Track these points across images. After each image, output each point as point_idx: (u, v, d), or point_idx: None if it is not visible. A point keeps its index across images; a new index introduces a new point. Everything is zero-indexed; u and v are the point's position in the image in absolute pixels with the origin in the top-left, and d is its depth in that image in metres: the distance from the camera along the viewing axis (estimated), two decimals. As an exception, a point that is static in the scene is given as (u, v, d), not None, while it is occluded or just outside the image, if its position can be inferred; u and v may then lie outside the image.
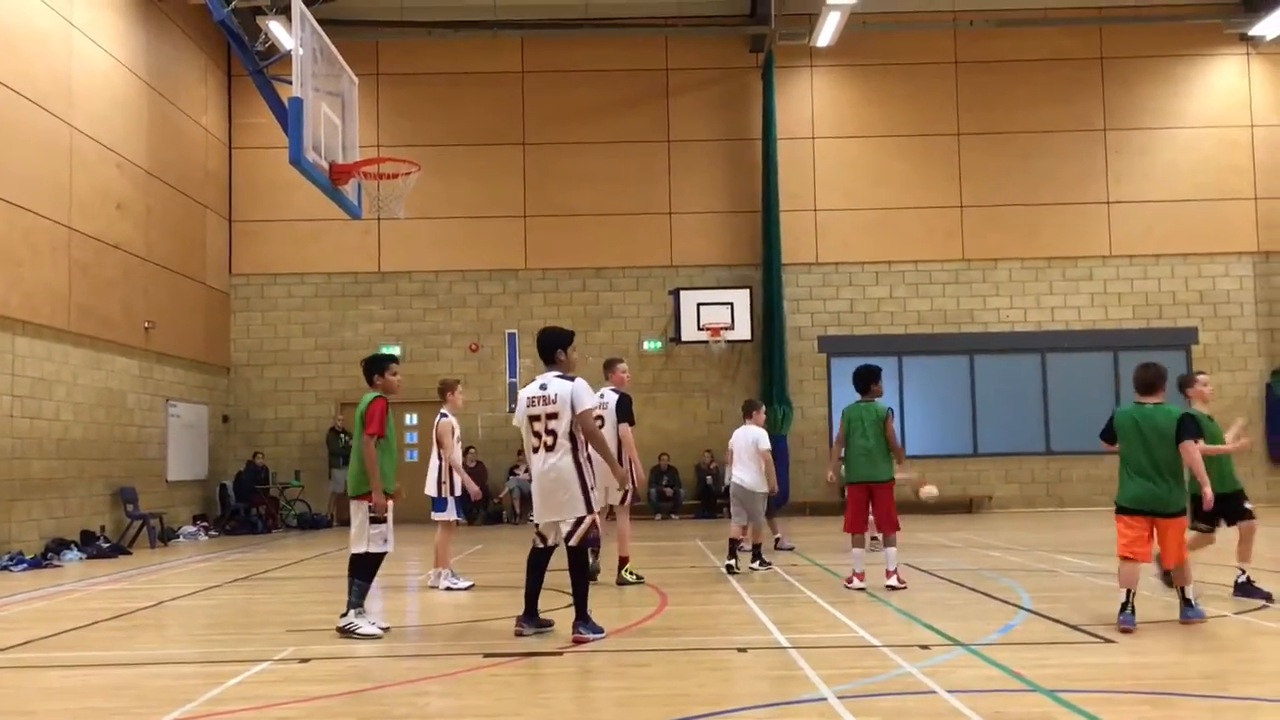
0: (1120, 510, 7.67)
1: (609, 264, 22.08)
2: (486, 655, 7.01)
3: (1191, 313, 21.88)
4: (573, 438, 7.47)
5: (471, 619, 8.87)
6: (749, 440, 11.82)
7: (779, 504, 21.27)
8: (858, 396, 10.07)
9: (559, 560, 7.70)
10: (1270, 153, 21.73)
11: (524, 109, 22.28)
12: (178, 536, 18.30)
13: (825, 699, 5.64)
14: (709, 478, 21.35)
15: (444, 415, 11.15)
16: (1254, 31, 21.49)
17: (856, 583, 9.78)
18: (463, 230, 22.03)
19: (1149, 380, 7.81)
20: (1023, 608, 8.69)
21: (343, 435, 21.28)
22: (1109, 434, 7.94)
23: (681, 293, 21.29)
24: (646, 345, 21.91)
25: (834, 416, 21.79)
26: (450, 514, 10.95)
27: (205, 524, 19.51)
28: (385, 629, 8.00)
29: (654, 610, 9.00)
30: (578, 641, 7.36)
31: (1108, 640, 7.17)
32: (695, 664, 6.71)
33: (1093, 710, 5.26)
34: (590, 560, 8.12)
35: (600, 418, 9.80)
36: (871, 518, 10.14)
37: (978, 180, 22.01)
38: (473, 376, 21.84)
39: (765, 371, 21.43)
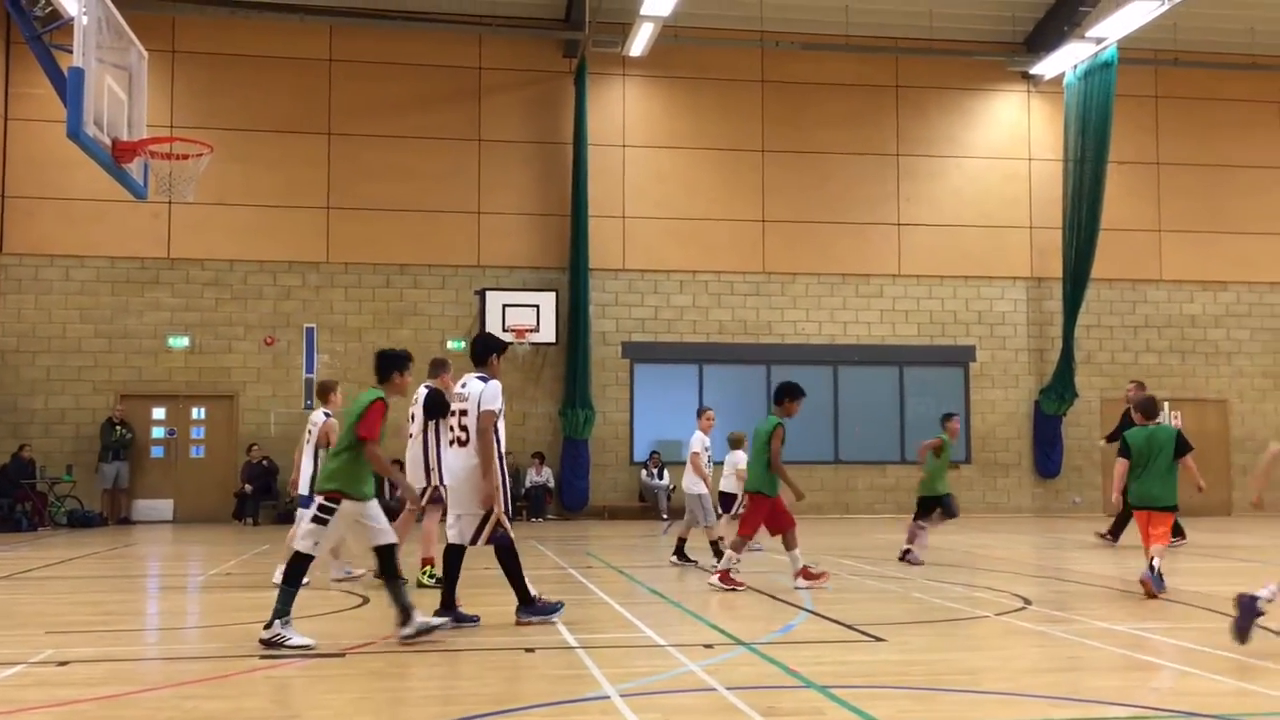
0: (1133, 508, 9.98)
1: (414, 261, 21.71)
2: (263, 657, 6.76)
3: (971, 332, 23.20)
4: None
5: (252, 620, 8.54)
6: (689, 445, 12.37)
7: (579, 506, 21.47)
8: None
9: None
10: (1044, 186, 23.27)
11: (330, 98, 21.67)
12: (-71, 534, 16.92)
13: (609, 697, 5.70)
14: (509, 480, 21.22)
15: (328, 415, 10.82)
16: (1034, 71, 23.01)
17: (715, 579, 10.10)
18: (261, 219, 21.23)
19: (1154, 409, 10.15)
20: (804, 608, 9.01)
21: (119, 428, 20.15)
22: (1126, 452, 9.90)
23: (488, 293, 21.15)
24: (450, 345, 21.61)
25: (635, 422, 22.10)
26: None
27: (-38, 521, 18.11)
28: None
29: (444, 611, 8.87)
30: (521, 624, 7.80)
31: (879, 639, 7.52)
32: (482, 664, 6.67)
33: (860, 705, 5.50)
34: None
35: (414, 415, 10.13)
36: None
37: (780, 196, 22.72)
38: (266, 371, 21.09)
39: (569, 375, 21.51)
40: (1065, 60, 22.18)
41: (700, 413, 12.94)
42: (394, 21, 21.51)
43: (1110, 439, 18.56)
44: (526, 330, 20.96)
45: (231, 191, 20.63)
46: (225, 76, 21.32)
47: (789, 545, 10.22)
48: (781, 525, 10.15)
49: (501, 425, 7.83)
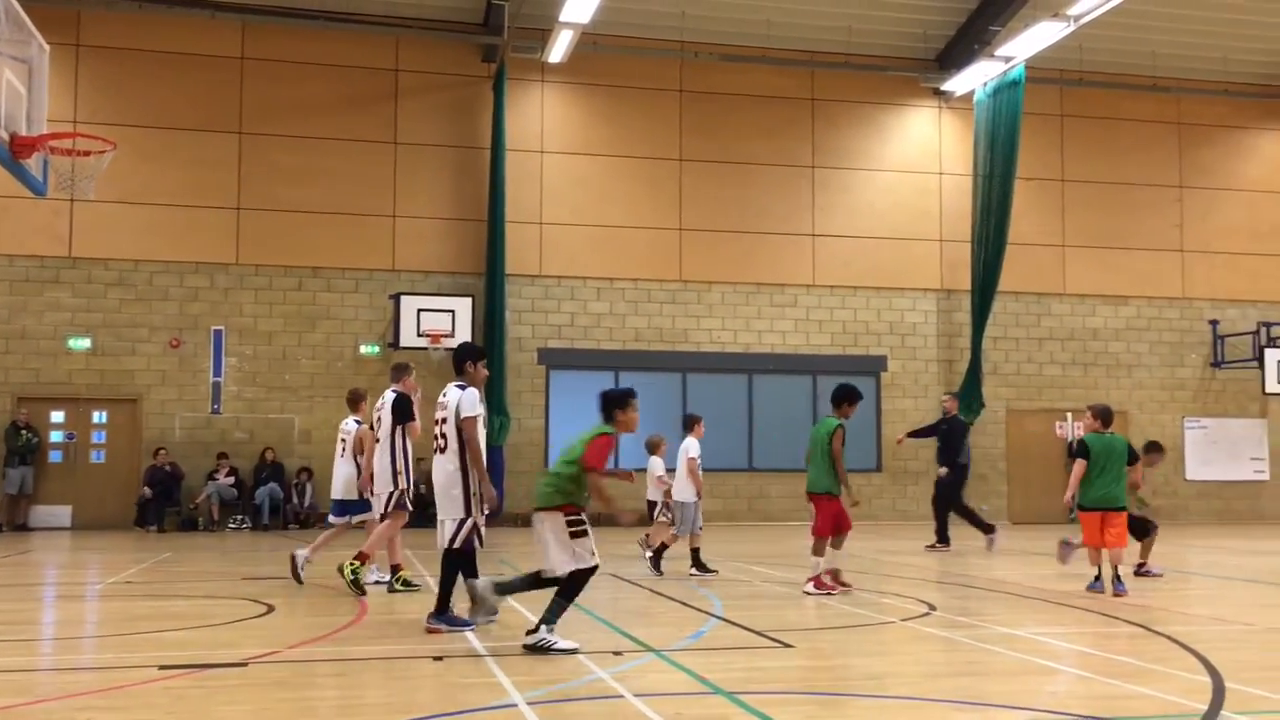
0: (1082, 509, 10.54)
1: (327, 264, 21.38)
2: (162, 667, 6.59)
3: (882, 342, 23.57)
4: (461, 442, 7.97)
5: (150, 630, 8.33)
6: (680, 452, 12.41)
7: (496, 514, 21.30)
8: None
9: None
10: (954, 199, 23.77)
11: (242, 97, 21.24)
12: None
13: (515, 705, 5.67)
14: (423, 486, 20.98)
15: (359, 423, 11.37)
16: (945, 87, 23.49)
17: (810, 586, 10.37)
18: (168, 218, 20.71)
19: (1110, 416, 10.88)
20: (715, 615, 9.07)
21: (24, 432, 19.51)
22: (1085, 453, 10.57)
23: (402, 298, 20.91)
24: (363, 349, 21.36)
25: (551, 429, 22.01)
26: (376, 510, 10.82)
27: None
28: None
29: (352, 618, 8.76)
30: (431, 631, 7.87)
31: (787, 645, 7.59)
32: (387, 673, 6.58)
33: (767, 711, 5.54)
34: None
35: (380, 417, 10.28)
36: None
37: (697, 205, 22.86)
38: (172, 374, 20.59)
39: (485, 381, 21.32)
40: (975, 78, 22.69)
41: (696, 421, 12.94)
42: (308, 20, 21.17)
43: (914, 435, 18.72)
44: (441, 335, 20.75)
45: (137, 190, 20.11)
46: (132, 72, 20.79)
47: (837, 546, 10.62)
48: (841, 527, 10.61)
49: (482, 431, 8.11)
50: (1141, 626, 8.48)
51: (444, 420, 8.07)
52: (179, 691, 6.04)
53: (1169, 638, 7.90)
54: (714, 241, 22.88)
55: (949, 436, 16.45)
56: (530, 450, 21.76)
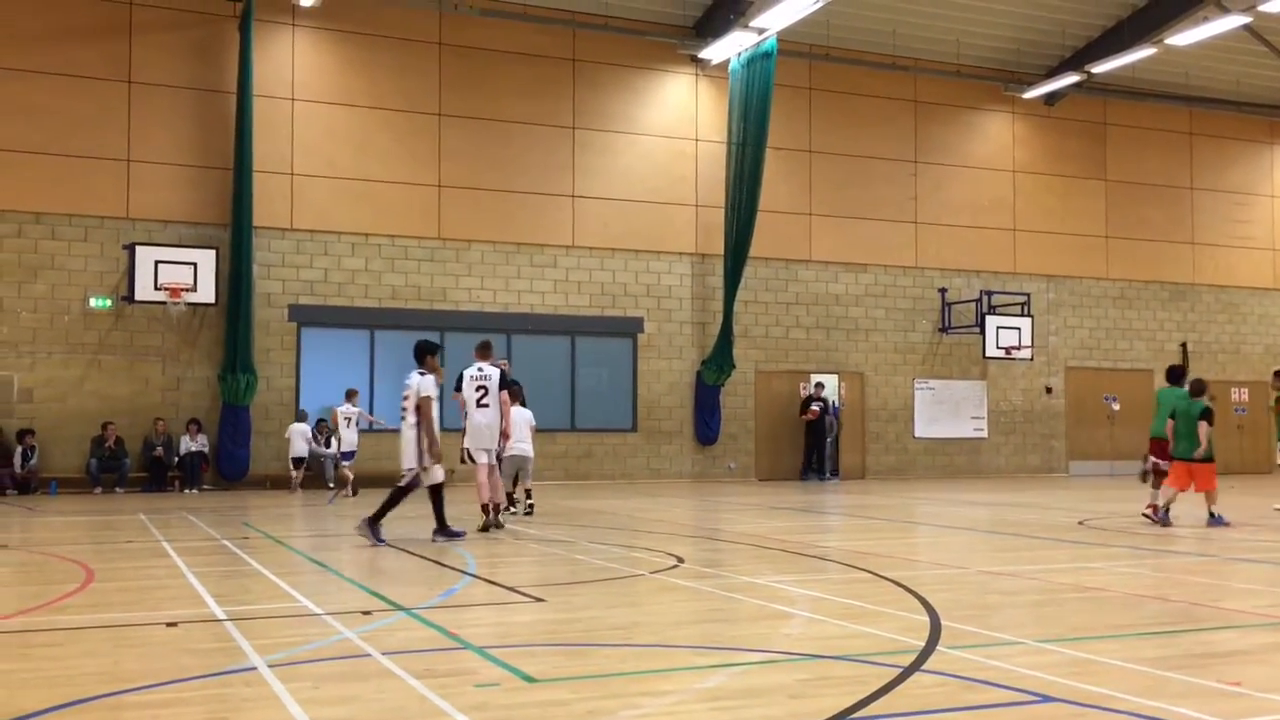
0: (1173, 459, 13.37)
1: (52, 210, 19.78)
2: None
3: (639, 304, 24.01)
4: (416, 412, 11.05)
5: None
6: (525, 418, 14.29)
7: (239, 476, 20.45)
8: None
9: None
10: (709, 166, 24.40)
11: (-49, 22, 19.29)
12: None
13: (255, 669, 5.47)
14: (159, 448, 19.88)
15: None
16: (702, 55, 24.01)
17: (1153, 514, 13.24)
18: None
19: (1201, 388, 13.38)
20: (468, 573, 9.04)
21: None
22: (1208, 415, 13.06)
23: (138, 248, 19.62)
24: (94, 303, 19.94)
25: (302, 387, 21.23)
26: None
27: None
28: None
29: (77, 586, 8.22)
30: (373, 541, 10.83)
31: (539, 600, 7.67)
32: (115, 641, 6.21)
33: (515, 663, 5.58)
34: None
35: (483, 388, 12.45)
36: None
37: (457, 162, 22.50)
38: None
39: (230, 338, 20.35)
40: (731, 47, 23.28)
41: (521, 388, 14.69)
42: (30, -58, 19.41)
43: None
44: (182, 289, 19.65)
45: None
46: None
47: (1158, 485, 13.53)
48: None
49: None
50: (870, 572, 9.05)
51: (405, 397, 11.17)
52: None
53: (894, 582, 8.46)
54: (473, 199, 22.62)
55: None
56: (279, 410, 20.97)
